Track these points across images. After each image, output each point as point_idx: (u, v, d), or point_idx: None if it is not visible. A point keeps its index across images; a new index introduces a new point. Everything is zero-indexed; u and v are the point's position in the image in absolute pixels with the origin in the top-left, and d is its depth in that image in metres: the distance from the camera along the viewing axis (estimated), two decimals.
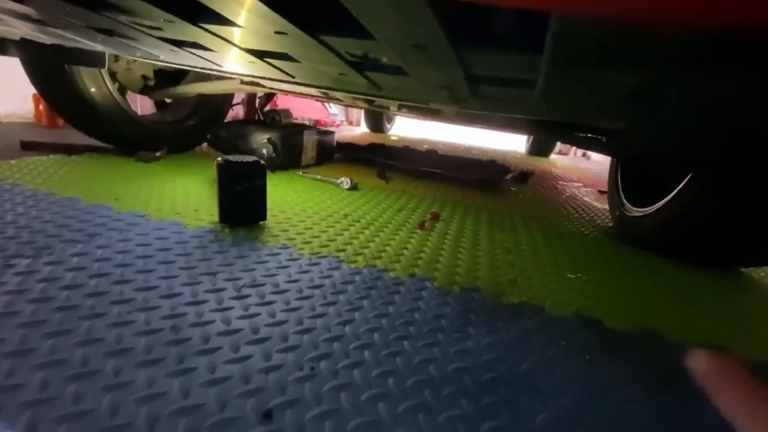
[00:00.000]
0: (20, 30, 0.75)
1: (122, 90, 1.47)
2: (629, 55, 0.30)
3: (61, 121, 2.05)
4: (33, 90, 2.11)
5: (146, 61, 0.99)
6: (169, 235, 0.81)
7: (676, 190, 1.02)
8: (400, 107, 1.34)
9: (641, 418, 0.47)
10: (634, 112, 0.47)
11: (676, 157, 0.93)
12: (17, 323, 0.49)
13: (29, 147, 1.45)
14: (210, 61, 0.63)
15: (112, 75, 1.41)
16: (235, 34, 0.43)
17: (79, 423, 0.36)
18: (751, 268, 1.10)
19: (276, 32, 0.37)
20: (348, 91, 0.72)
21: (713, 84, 0.35)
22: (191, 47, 0.53)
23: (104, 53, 1.06)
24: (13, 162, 1.23)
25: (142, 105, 2.19)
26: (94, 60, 1.04)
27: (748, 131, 0.57)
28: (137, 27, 0.47)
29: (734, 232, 0.91)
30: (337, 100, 1.48)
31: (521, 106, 0.53)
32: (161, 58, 0.70)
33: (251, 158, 0.89)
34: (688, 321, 0.74)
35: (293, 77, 0.62)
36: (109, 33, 0.54)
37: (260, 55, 0.50)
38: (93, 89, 1.29)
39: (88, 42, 0.69)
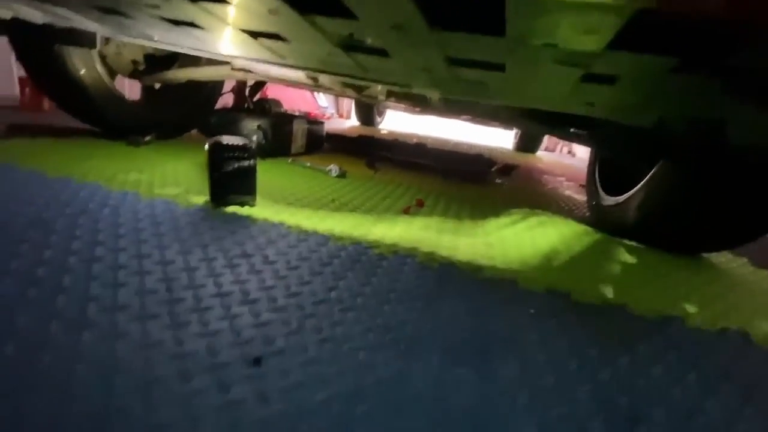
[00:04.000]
0: (14, 8, 0.76)
1: (111, 74, 1.48)
2: (568, 34, 0.35)
3: (46, 105, 2.04)
4: (18, 74, 2.09)
5: (138, 43, 1.01)
6: (161, 212, 0.84)
7: (643, 180, 1.09)
8: (388, 95, 1.38)
9: (600, 374, 0.52)
10: (592, 93, 0.52)
11: (645, 145, 0.99)
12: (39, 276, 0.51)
13: (17, 130, 1.45)
14: (205, 42, 0.66)
15: (102, 58, 1.41)
16: (230, 13, 0.46)
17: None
18: (712, 253, 1.17)
19: (269, 11, 0.41)
20: (336, 74, 0.76)
21: (649, 67, 0.40)
22: (187, 26, 0.56)
23: (95, 33, 1.07)
24: (1, 144, 1.24)
25: (130, 90, 2.18)
26: (85, 40, 1.05)
27: (701, 118, 0.63)
28: (135, 4, 0.50)
29: (696, 218, 0.98)
30: (327, 88, 1.51)
31: (496, 91, 0.57)
32: (156, 38, 0.72)
33: (241, 139, 0.92)
34: (649, 296, 0.80)
35: (284, 57, 0.65)
36: (107, 11, 0.56)
37: (254, 35, 0.53)
38: (83, 71, 1.29)
39: (82, 21, 0.71)
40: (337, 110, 4.91)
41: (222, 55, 0.86)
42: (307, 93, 4.00)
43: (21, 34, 1.06)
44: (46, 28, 1.03)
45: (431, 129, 4.58)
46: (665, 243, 1.11)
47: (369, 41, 0.45)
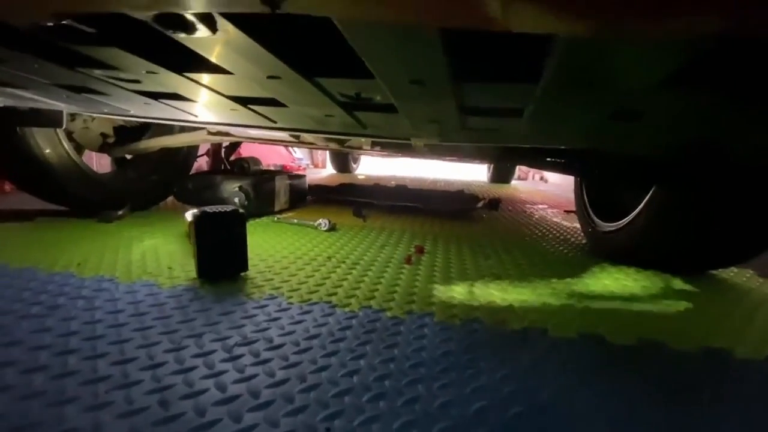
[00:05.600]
0: None
1: (79, 149, 1.40)
2: (618, 76, 0.32)
3: (8, 187, 1.92)
4: None
5: (110, 117, 0.96)
6: (143, 297, 0.74)
7: (642, 203, 1.08)
8: (373, 145, 1.36)
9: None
10: (613, 130, 0.49)
11: (638, 170, 0.99)
12: None
13: None
14: (186, 112, 0.61)
15: (68, 134, 1.34)
16: (222, 81, 0.42)
17: None
18: (719, 270, 1.15)
19: (269, 77, 0.37)
20: (329, 132, 0.72)
21: (684, 99, 0.38)
22: (169, 99, 0.52)
23: (62, 112, 1.01)
24: None
25: (99, 163, 2.09)
26: (50, 120, 0.99)
27: (708, 143, 0.62)
28: (113, 81, 0.45)
29: (703, 237, 0.97)
30: (308, 143, 1.49)
31: (506, 135, 0.55)
32: (131, 112, 0.67)
33: (228, 207, 0.85)
34: (683, 327, 0.75)
35: (275, 122, 0.61)
36: (78, 90, 0.51)
37: (244, 102, 0.49)
38: (47, 150, 1.22)
39: (49, 101, 0.66)
40: (312, 161, 4.93)
41: (205, 123, 0.81)
42: (281, 147, 4.00)
43: None
44: (7, 110, 0.97)
45: (406, 169, 4.64)
46: (673, 264, 1.09)
47: (378, 99, 0.42)
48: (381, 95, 0.41)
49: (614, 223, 1.21)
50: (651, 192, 1.05)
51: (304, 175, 1.96)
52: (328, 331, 0.65)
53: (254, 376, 0.51)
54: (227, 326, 0.65)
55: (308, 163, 4.76)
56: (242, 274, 0.89)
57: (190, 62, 0.37)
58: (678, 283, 1.02)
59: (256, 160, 1.91)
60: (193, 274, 0.87)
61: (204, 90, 0.46)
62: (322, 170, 4.65)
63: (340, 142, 1.36)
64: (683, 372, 0.60)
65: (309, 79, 0.37)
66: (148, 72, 0.39)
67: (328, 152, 4.38)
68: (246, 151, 3.01)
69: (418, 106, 0.43)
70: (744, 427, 0.49)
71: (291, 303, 0.76)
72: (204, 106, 0.56)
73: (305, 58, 0.34)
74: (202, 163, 2.22)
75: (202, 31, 0.26)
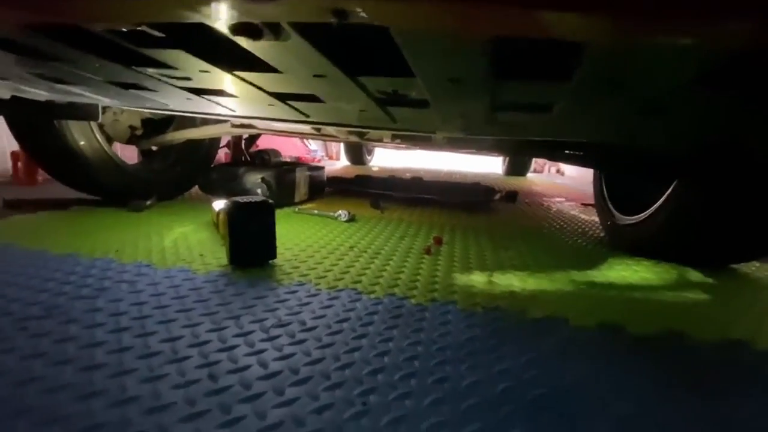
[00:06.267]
0: (18, 87, 0.75)
1: (109, 141, 1.46)
2: (649, 76, 0.34)
3: (41, 177, 2.00)
4: (10, 148, 2.07)
5: (141, 110, 1.00)
6: (181, 282, 0.79)
7: (664, 197, 1.08)
8: (393, 138, 1.38)
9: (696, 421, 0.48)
10: (639, 124, 0.51)
11: (660, 164, 0.99)
12: (39, 389, 0.46)
13: (13, 206, 1.40)
14: (225, 107, 0.65)
15: (100, 127, 1.40)
16: (268, 79, 0.44)
17: None
18: (741, 264, 1.15)
19: (315, 75, 0.39)
20: (358, 126, 0.75)
21: (708, 99, 0.39)
22: (213, 94, 0.55)
23: (98, 105, 1.05)
24: None
25: (124, 155, 2.16)
26: (86, 113, 1.04)
27: (732, 140, 0.63)
28: (164, 79, 0.48)
29: (726, 231, 0.97)
30: (329, 135, 1.51)
31: (532, 129, 0.56)
32: (170, 106, 0.71)
33: (259, 198, 0.89)
34: (704, 318, 0.76)
35: (308, 116, 0.64)
36: (128, 86, 0.55)
37: (284, 98, 0.52)
38: (82, 142, 1.27)
39: (94, 96, 0.70)
40: (326, 152, 4.96)
41: (240, 117, 0.85)
42: (297, 139, 4.04)
43: (19, 111, 1.04)
44: (46, 104, 1.02)
45: (420, 161, 4.63)
46: (694, 258, 1.09)
47: (413, 95, 0.44)
48: (416, 92, 0.43)
49: (634, 216, 1.21)
50: (673, 186, 1.05)
51: (322, 167, 2.00)
52: (356, 316, 0.69)
53: (292, 354, 0.55)
54: (263, 309, 0.69)
55: (323, 154, 4.79)
56: (271, 261, 0.93)
57: (243, 62, 0.40)
58: (698, 276, 1.03)
59: (276, 152, 1.95)
60: (224, 261, 0.91)
61: (248, 86, 0.49)
62: (336, 162, 4.68)
63: (361, 135, 1.38)
64: (702, 361, 0.62)
65: (351, 78, 0.39)
66: (201, 71, 0.42)
67: (342, 144, 4.41)
68: (263, 142, 3.05)
69: (452, 102, 0.45)
70: (762, 415, 0.51)
71: (319, 289, 0.79)
72: (243, 101, 0.59)
73: (350, 59, 0.36)
74: (221, 154, 2.26)
75: (267, 37, 0.29)
